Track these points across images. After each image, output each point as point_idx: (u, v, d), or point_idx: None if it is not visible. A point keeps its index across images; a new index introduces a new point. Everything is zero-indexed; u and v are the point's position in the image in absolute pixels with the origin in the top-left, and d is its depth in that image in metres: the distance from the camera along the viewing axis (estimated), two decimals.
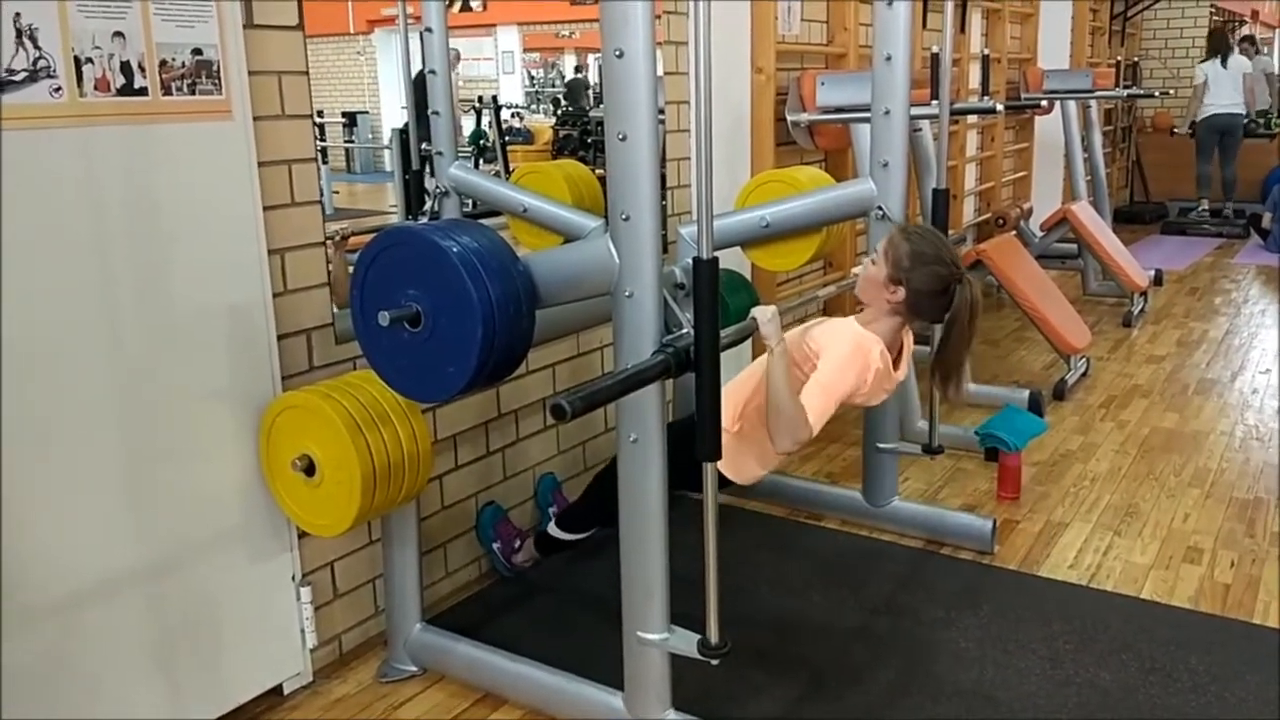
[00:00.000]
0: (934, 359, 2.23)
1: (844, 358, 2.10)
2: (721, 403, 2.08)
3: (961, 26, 5.51)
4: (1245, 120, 8.33)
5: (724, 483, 2.17)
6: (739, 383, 2.26)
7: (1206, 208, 8.61)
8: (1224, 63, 8.23)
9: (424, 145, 2.67)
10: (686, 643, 1.88)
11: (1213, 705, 2.16)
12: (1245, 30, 10.51)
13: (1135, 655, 2.34)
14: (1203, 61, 8.51)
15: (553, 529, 2.57)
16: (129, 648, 1.95)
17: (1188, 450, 3.65)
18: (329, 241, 2.28)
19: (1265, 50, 10.62)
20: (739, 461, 2.23)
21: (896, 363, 2.21)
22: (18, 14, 1.66)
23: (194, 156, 1.93)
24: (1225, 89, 8.25)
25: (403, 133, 3.01)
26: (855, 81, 3.81)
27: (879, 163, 2.66)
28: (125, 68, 1.81)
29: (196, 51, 1.91)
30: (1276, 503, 3.19)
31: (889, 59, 2.59)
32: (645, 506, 1.88)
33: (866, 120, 2.80)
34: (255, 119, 2.03)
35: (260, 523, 2.14)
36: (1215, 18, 10.33)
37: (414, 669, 2.33)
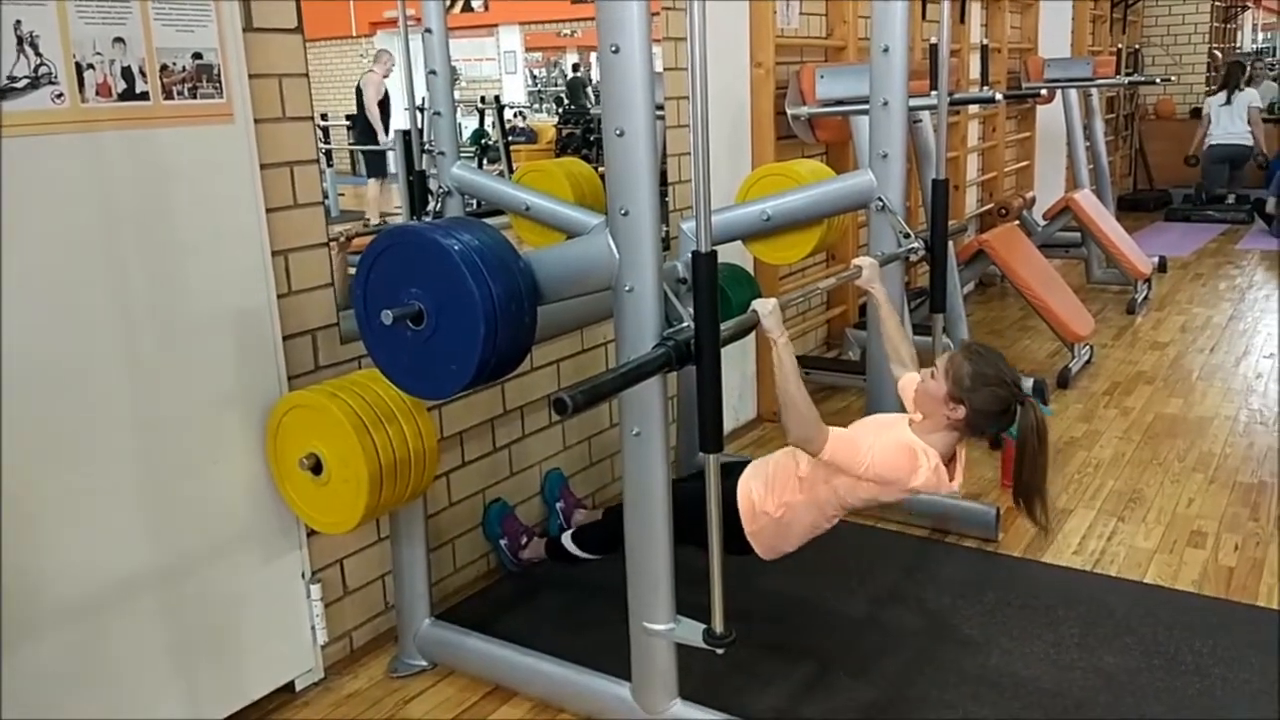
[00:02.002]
0: (1014, 485, 2.14)
1: (891, 448, 2.05)
2: (768, 483, 2.13)
3: (961, 17, 5.50)
4: (1255, 153, 8.27)
5: (744, 549, 2.18)
6: (789, 468, 2.18)
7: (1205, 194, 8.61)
8: (1229, 98, 8.20)
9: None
10: (692, 633, 1.90)
11: (1217, 688, 2.17)
12: (1247, 15, 10.47)
13: (1139, 639, 2.36)
14: (1211, 95, 8.49)
15: (567, 541, 2.57)
16: (142, 648, 1.97)
17: (1191, 435, 3.66)
18: (333, 243, 2.30)
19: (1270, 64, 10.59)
20: (774, 543, 2.21)
21: (952, 474, 2.14)
22: (18, 21, 1.68)
23: (196, 160, 1.95)
24: (1228, 121, 8.23)
25: (405, 134, 3.03)
26: (854, 74, 3.82)
27: (879, 154, 2.68)
28: (126, 73, 1.83)
29: (197, 55, 1.93)
30: None
31: (886, 50, 2.60)
32: (649, 498, 1.90)
33: (866, 112, 2.81)
34: (256, 122, 2.05)
35: (269, 522, 2.17)
36: (1217, 4, 10.29)
37: (424, 664, 2.35)
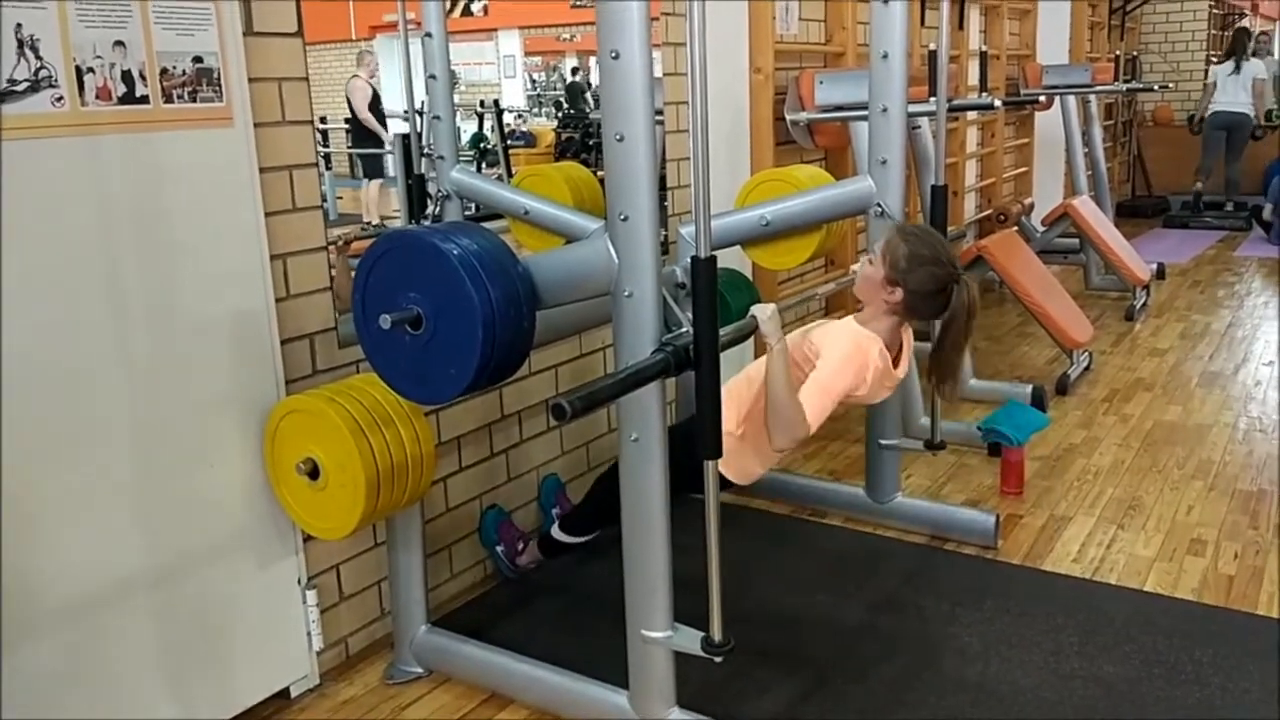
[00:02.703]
0: (931, 358, 2.24)
1: (842, 357, 2.12)
2: (723, 404, 2.10)
3: (960, 23, 5.51)
4: (1253, 124, 8.28)
5: (725, 484, 2.18)
6: (740, 386, 2.27)
7: (1200, 187, 8.58)
8: (1237, 66, 8.20)
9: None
10: (690, 640, 1.89)
11: (1216, 697, 2.17)
12: (1246, 22, 10.48)
13: (1139, 648, 2.35)
14: (1219, 64, 8.49)
15: (556, 532, 2.58)
16: (137, 652, 1.96)
17: (1191, 443, 3.65)
18: (332, 247, 2.30)
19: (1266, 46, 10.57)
20: (741, 463, 2.24)
21: (896, 361, 2.23)
22: (19, 24, 1.67)
23: (196, 163, 1.95)
24: (1233, 90, 8.23)
25: (405, 138, 3.03)
26: (853, 80, 3.82)
27: (877, 160, 2.67)
28: (126, 76, 1.82)
29: (197, 59, 1.92)
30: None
31: (886, 57, 2.60)
32: (647, 505, 1.89)
33: (865, 118, 2.81)
34: (256, 125, 2.05)
35: (265, 527, 2.16)
36: (1215, 11, 10.32)
37: (420, 671, 2.34)
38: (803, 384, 2.06)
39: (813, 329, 2.24)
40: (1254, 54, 8.46)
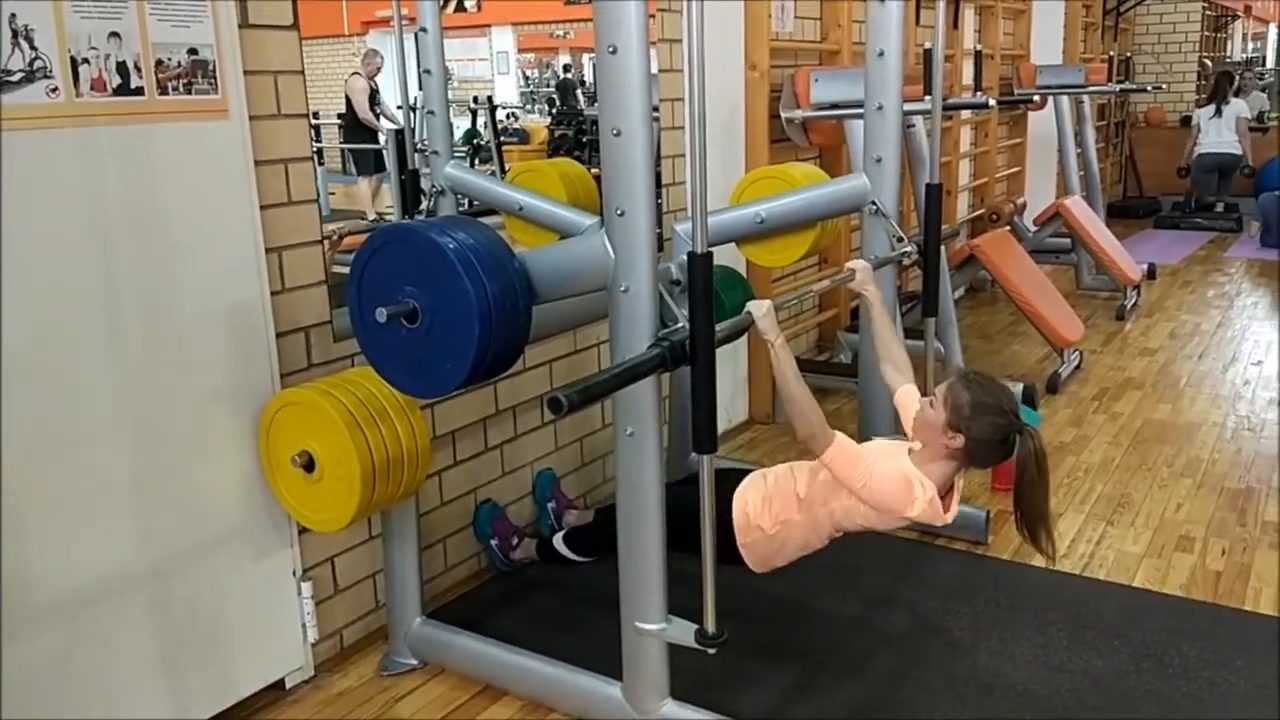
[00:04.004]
0: (1016, 514, 2.10)
1: (889, 475, 2.03)
2: (765, 502, 2.12)
3: (955, 22, 5.53)
4: (1243, 162, 8.31)
5: (736, 559, 2.17)
6: (784, 490, 2.18)
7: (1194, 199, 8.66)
8: (1219, 110, 8.24)
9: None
10: (684, 632, 1.90)
11: (1204, 691, 2.19)
12: (1237, 24, 10.53)
13: (1128, 642, 2.37)
14: (1201, 108, 8.54)
15: (559, 543, 2.58)
16: (133, 644, 1.96)
17: (1180, 441, 3.68)
18: (325, 241, 2.30)
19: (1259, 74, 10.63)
20: (764, 556, 2.21)
21: (947, 505, 2.12)
22: (13, 14, 1.67)
23: (191, 156, 1.95)
24: (1217, 131, 8.28)
25: (398, 133, 3.03)
26: (849, 78, 3.83)
27: (872, 158, 2.69)
28: (121, 68, 1.82)
29: (192, 51, 1.92)
30: (1267, 492, 3.22)
31: (881, 55, 2.61)
32: (642, 498, 1.90)
33: (860, 116, 2.83)
34: (251, 118, 2.05)
35: (261, 519, 2.16)
36: (1208, 12, 10.36)
37: (415, 662, 2.35)
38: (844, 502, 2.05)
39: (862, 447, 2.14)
40: (1237, 93, 8.52)
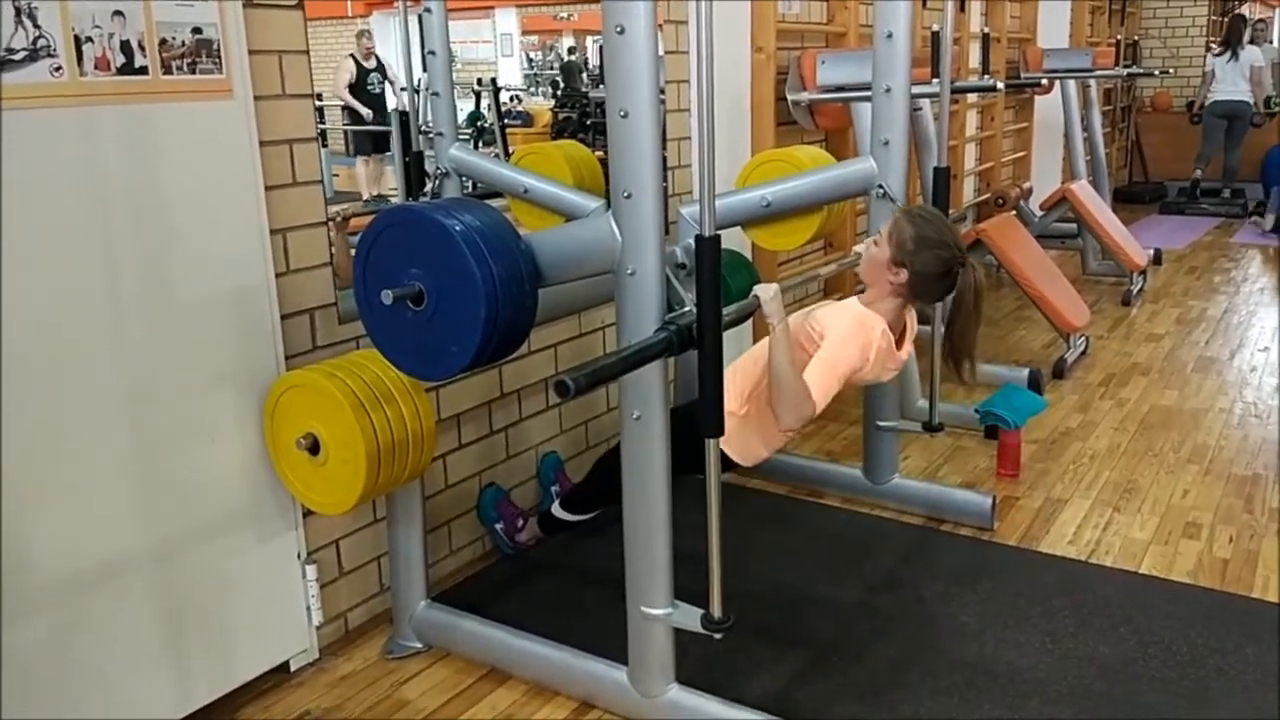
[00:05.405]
0: (945, 344, 2.24)
1: (846, 336, 2.12)
2: (726, 384, 2.10)
3: (962, 5, 5.49)
4: (1253, 111, 8.26)
5: (728, 464, 2.18)
6: (744, 366, 2.27)
7: (1199, 174, 8.57)
8: (1234, 55, 8.16)
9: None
10: (690, 617, 1.90)
11: (1211, 678, 2.18)
12: (1244, 9, 10.44)
13: (1134, 629, 2.36)
14: (1216, 54, 8.46)
15: (557, 510, 2.59)
16: (136, 627, 1.96)
17: (1186, 427, 3.67)
18: (331, 222, 2.29)
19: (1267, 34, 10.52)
20: (744, 444, 2.25)
21: (900, 343, 2.23)
22: None
23: (195, 136, 1.93)
24: (1232, 79, 8.21)
25: (402, 115, 3.01)
26: (856, 60, 3.80)
27: (880, 141, 2.66)
28: (125, 47, 1.81)
29: (197, 30, 1.91)
30: (1275, 479, 3.21)
31: (890, 36, 2.58)
32: (649, 483, 1.90)
33: (867, 99, 2.80)
34: (256, 98, 2.03)
35: (265, 502, 2.16)
36: None
37: (419, 646, 2.35)
38: (807, 364, 2.07)
39: (815, 309, 2.25)
40: (1251, 41, 8.42)
